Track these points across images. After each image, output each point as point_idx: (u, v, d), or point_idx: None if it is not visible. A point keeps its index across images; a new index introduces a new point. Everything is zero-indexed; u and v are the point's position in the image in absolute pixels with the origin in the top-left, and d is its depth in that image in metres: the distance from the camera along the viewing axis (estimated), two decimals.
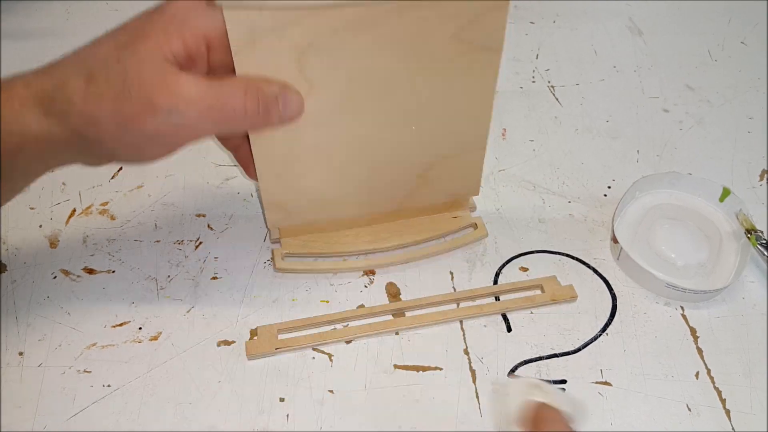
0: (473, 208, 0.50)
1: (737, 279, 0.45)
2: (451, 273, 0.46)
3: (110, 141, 0.35)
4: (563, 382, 0.41)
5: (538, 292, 0.45)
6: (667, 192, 0.50)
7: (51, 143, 0.35)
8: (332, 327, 0.43)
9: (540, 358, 0.42)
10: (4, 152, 0.34)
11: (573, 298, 0.44)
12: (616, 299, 0.45)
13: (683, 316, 0.44)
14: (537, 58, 0.62)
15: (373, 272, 0.46)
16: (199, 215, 0.49)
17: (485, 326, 0.44)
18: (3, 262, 0.46)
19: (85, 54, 0.35)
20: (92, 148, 0.36)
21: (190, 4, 0.34)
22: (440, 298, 0.44)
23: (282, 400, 0.40)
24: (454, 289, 0.45)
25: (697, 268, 0.45)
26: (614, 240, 0.46)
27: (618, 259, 0.47)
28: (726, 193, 0.48)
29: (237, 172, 0.53)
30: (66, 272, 0.46)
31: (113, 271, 0.46)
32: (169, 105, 0.33)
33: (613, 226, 0.47)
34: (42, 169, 0.38)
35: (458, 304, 0.44)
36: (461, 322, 0.44)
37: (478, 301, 0.45)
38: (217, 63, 0.36)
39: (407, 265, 0.47)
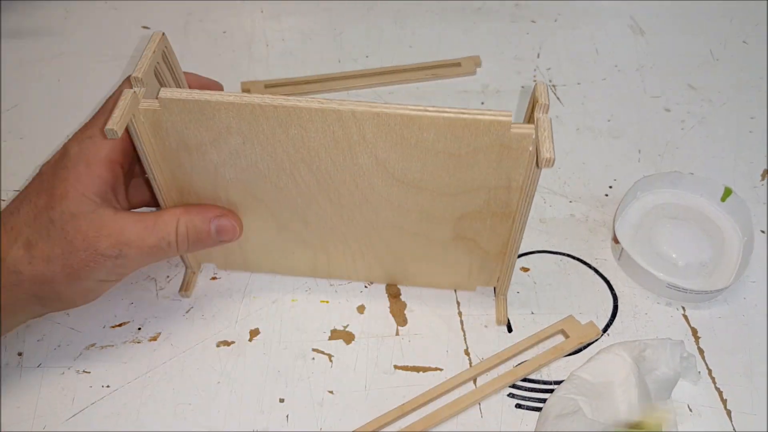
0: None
1: (738, 279, 0.44)
2: None
3: (65, 293, 0.37)
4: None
5: (559, 335, 0.43)
6: (669, 192, 0.50)
7: (6, 310, 0.37)
8: None
9: None
10: None
11: (598, 335, 0.43)
12: (617, 299, 0.45)
13: (684, 316, 0.44)
14: (538, 57, 0.62)
15: None
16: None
17: (486, 326, 0.43)
18: None
19: (9, 223, 0.36)
20: (48, 303, 0.38)
21: (84, 140, 0.37)
22: (457, 381, 0.40)
23: (282, 400, 0.40)
24: (455, 290, 0.45)
25: (698, 268, 0.45)
26: (615, 240, 0.46)
27: (619, 259, 0.46)
28: (728, 192, 0.48)
29: None
30: None
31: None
32: (115, 252, 0.36)
33: (614, 227, 0.47)
34: (12, 325, 0.40)
35: (475, 382, 0.41)
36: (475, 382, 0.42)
37: (501, 368, 0.41)
38: (130, 172, 0.40)
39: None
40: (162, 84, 0.37)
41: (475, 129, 0.33)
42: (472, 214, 0.39)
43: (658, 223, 0.47)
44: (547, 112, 0.33)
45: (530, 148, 0.34)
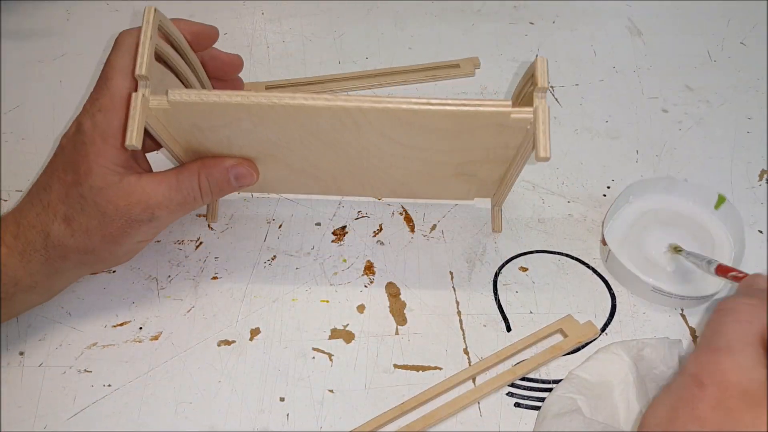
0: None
1: (728, 286, 0.44)
2: (451, 273, 0.46)
3: (107, 257, 0.41)
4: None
5: (558, 335, 0.43)
6: (662, 197, 0.50)
7: (58, 276, 0.40)
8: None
9: None
10: (19, 291, 0.39)
11: (596, 334, 0.43)
12: (615, 299, 0.45)
13: (682, 316, 0.44)
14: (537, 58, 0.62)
15: (373, 272, 0.47)
16: (199, 215, 0.50)
17: (485, 326, 0.44)
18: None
19: (45, 199, 0.39)
20: (94, 265, 0.42)
21: (95, 113, 0.38)
22: (456, 380, 0.41)
23: (282, 399, 0.40)
24: (454, 290, 0.45)
25: (687, 273, 0.45)
26: (603, 242, 0.46)
27: (606, 261, 0.47)
28: (721, 200, 0.48)
29: None
30: None
31: (114, 271, 0.46)
32: (147, 215, 0.39)
33: (603, 228, 0.47)
34: (51, 295, 0.42)
35: (474, 381, 0.41)
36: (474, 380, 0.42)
37: (499, 367, 0.42)
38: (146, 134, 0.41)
39: (406, 265, 0.47)
40: (164, 61, 0.38)
41: (476, 117, 0.35)
42: (471, 162, 0.42)
43: (649, 228, 0.47)
44: (545, 97, 0.35)
45: (528, 127, 0.36)
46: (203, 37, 0.43)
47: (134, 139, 0.34)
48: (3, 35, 0.63)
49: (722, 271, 0.40)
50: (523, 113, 0.35)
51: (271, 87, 0.59)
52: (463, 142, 0.39)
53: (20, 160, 0.53)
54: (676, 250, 0.45)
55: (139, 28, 0.36)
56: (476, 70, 0.61)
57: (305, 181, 0.46)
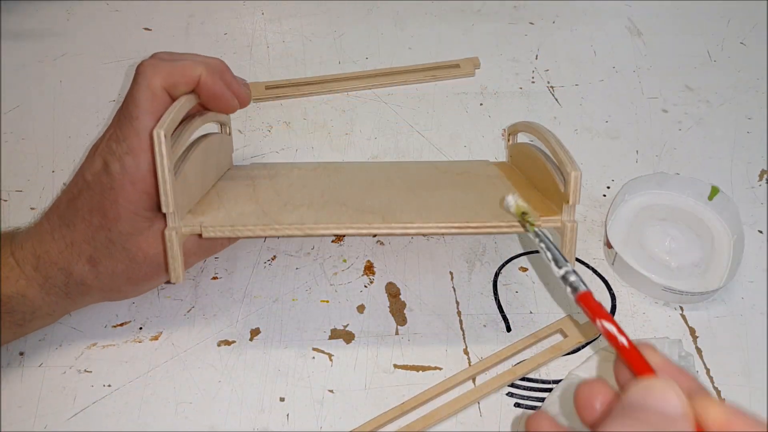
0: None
1: (732, 278, 0.45)
2: (451, 273, 0.46)
3: (131, 294, 0.42)
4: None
5: (557, 335, 0.43)
6: (656, 193, 0.50)
7: (77, 308, 0.42)
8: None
9: None
10: (36, 318, 0.39)
11: (596, 334, 0.43)
12: (615, 299, 0.45)
13: (682, 316, 0.44)
14: (536, 58, 0.62)
15: (373, 272, 0.47)
16: None
17: (485, 326, 0.44)
18: None
19: (69, 237, 0.38)
20: (116, 298, 0.43)
21: (122, 156, 0.36)
22: (456, 380, 0.41)
23: (282, 399, 0.40)
24: (454, 290, 0.45)
25: (691, 268, 0.45)
26: (608, 245, 0.46)
27: (613, 264, 0.47)
28: (714, 191, 0.48)
29: None
30: None
31: None
32: None
33: (606, 231, 0.47)
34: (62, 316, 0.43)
35: (474, 381, 0.41)
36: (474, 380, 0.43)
37: (499, 368, 0.41)
38: None
39: (406, 265, 0.47)
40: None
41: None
42: None
43: (648, 226, 0.47)
44: (574, 213, 0.37)
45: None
46: (223, 105, 0.41)
47: (179, 277, 0.36)
48: (3, 35, 0.63)
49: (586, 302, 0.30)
50: (550, 222, 0.37)
51: (271, 87, 0.59)
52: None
53: (20, 160, 0.53)
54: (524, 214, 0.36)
55: (164, 70, 0.36)
56: (476, 70, 0.61)
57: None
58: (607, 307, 0.45)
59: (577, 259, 0.47)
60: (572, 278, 0.31)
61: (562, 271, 0.31)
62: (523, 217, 0.35)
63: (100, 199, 0.37)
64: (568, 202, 0.36)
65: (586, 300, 0.30)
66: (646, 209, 0.49)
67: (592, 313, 0.29)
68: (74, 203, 0.38)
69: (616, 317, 0.44)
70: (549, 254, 0.33)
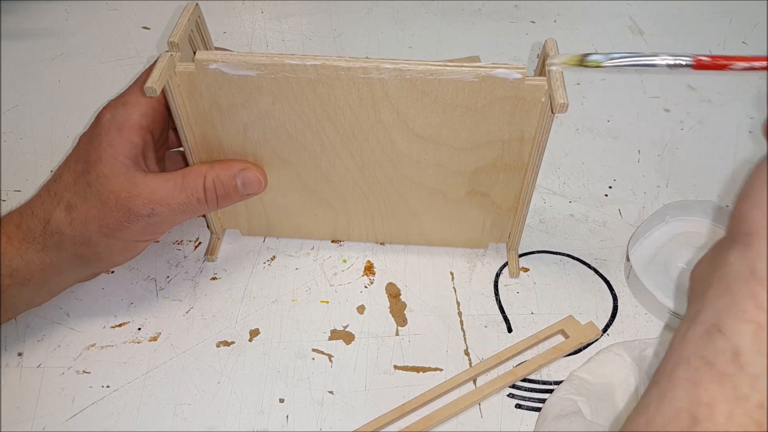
0: None
1: None
2: (452, 273, 0.46)
3: (104, 252, 0.40)
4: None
5: (559, 336, 0.43)
6: (699, 221, 0.48)
7: (54, 270, 0.39)
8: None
9: None
10: (14, 284, 0.38)
11: (598, 335, 0.43)
12: (616, 299, 0.45)
13: None
14: (538, 57, 0.62)
15: (373, 272, 0.46)
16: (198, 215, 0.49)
17: (486, 326, 0.43)
18: None
19: (53, 188, 0.39)
20: (90, 263, 0.40)
21: (116, 107, 0.39)
22: (457, 381, 0.40)
23: (281, 401, 0.40)
24: (455, 291, 0.45)
25: None
26: (627, 258, 0.46)
27: (627, 278, 0.46)
28: None
29: None
30: None
31: (112, 272, 0.46)
32: (147, 210, 0.38)
33: (628, 245, 0.46)
34: (47, 296, 0.42)
35: (475, 382, 0.41)
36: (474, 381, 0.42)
37: (500, 369, 0.41)
38: (161, 140, 0.42)
39: (407, 265, 0.47)
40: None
41: (492, 81, 0.36)
42: (486, 168, 0.41)
43: (679, 251, 0.46)
44: (556, 65, 0.36)
45: (542, 99, 0.36)
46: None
47: (155, 82, 0.34)
48: (3, 35, 0.63)
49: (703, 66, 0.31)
50: (537, 80, 0.36)
51: None
52: (478, 127, 0.38)
53: (19, 159, 0.53)
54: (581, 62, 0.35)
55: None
56: None
57: (313, 210, 0.45)
58: (608, 308, 0.45)
59: (578, 259, 0.47)
60: (672, 60, 0.31)
61: (662, 62, 0.32)
62: (582, 60, 0.35)
63: (86, 146, 0.38)
64: (548, 56, 0.37)
65: (703, 65, 0.31)
66: (683, 235, 0.47)
67: (719, 67, 0.31)
68: (64, 161, 0.40)
69: (617, 318, 0.44)
70: (631, 60, 0.33)
